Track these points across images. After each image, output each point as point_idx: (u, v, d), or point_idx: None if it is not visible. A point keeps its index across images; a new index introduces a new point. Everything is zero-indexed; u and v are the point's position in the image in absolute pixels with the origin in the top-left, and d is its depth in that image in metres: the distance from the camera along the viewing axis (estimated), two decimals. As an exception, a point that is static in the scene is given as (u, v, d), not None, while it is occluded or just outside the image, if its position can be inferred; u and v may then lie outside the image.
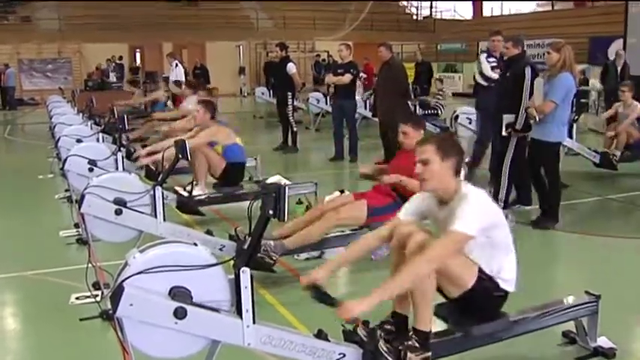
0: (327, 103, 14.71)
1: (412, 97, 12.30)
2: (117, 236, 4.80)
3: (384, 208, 5.24)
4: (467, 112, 10.63)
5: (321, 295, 3.44)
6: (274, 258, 4.84)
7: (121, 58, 25.78)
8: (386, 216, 5.03)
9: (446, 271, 3.22)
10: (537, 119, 6.37)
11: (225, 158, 7.04)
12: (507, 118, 6.88)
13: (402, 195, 5.26)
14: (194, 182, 6.62)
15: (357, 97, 14.18)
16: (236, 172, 7.18)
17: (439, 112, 14.11)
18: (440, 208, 3.42)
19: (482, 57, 8.90)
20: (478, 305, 3.37)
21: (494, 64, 8.56)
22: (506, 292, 3.42)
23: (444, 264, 3.18)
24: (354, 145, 10.92)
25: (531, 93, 6.74)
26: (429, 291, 3.20)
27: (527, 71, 6.77)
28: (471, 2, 37.04)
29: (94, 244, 4.78)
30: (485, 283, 3.33)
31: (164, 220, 4.96)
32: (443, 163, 3.29)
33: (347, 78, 10.54)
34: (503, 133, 6.90)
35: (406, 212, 3.55)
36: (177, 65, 16.53)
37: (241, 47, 30.58)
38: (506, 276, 3.40)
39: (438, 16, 37.93)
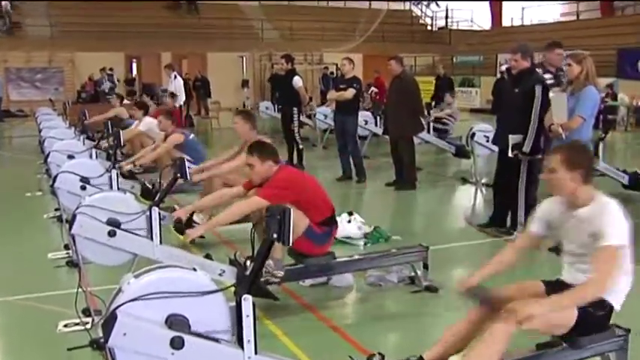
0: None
1: (425, 113, 12.30)
2: (110, 259, 4.80)
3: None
4: (484, 129, 10.66)
5: (485, 297, 3.40)
6: (279, 275, 4.85)
7: (111, 69, 25.91)
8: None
9: (548, 321, 3.26)
10: (564, 137, 6.33)
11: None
12: (514, 138, 6.86)
13: None
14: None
15: (367, 113, 14.27)
16: None
17: (449, 128, 14.11)
18: (568, 212, 3.55)
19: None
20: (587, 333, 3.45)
21: (552, 81, 7.85)
22: (611, 308, 3.48)
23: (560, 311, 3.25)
24: (358, 164, 10.93)
25: (544, 111, 6.71)
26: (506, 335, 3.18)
27: (538, 89, 6.74)
28: (489, 11, 37.05)
29: (85, 267, 4.78)
30: (588, 310, 3.38)
31: (160, 242, 4.96)
32: (569, 173, 3.45)
33: (350, 93, 10.55)
34: (510, 154, 6.90)
35: (534, 222, 3.70)
36: (175, 77, 16.66)
37: (245, 58, 30.75)
38: (616, 292, 3.46)
39: (454, 27, 38.06)
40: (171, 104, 14.15)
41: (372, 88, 18.78)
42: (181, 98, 16.43)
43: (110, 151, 7.56)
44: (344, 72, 10.91)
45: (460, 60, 31.08)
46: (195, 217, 6.53)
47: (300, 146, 11.99)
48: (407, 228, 7.86)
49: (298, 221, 4.60)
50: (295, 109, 11.79)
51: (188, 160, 7.62)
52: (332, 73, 27.46)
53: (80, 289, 4.41)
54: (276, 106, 18.78)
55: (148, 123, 10.55)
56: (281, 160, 5.27)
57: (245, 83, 30.19)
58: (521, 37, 27.83)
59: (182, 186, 7.26)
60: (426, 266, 5.52)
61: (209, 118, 21.86)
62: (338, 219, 5.65)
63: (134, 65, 30.42)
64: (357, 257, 5.54)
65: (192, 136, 9.18)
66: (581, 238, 3.43)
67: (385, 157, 11.84)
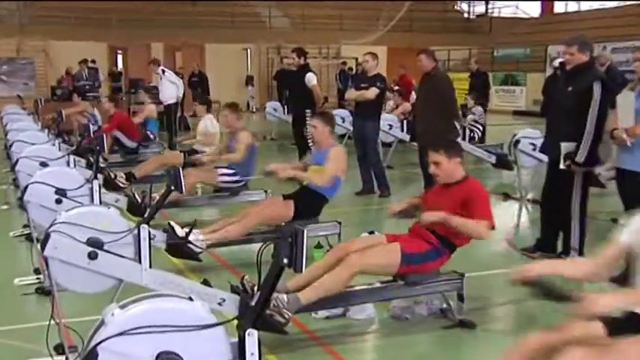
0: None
1: (460, 116, 12.30)
2: (89, 286, 4.79)
3: (423, 255, 5.23)
4: (530, 135, 10.62)
5: (548, 290, 3.40)
6: (287, 316, 4.82)
7: (94, 61, 25.87)
8: (425, 265, 5.06)
9: None
10: (629, 144, 6.28)
11: (317, 189, 7.05)
12: (566, 147, 6.80)
13: (444, 239, 5.26)
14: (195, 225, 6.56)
15: (391, 117, 14.27)
16: None
17: (476, 134, 14.10)
18: None
19: None
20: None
21: None
22: None
23: None
24: (380, 175, 10.94)
25: (604, 114, 6.67)
26: None
27: (596, 88, 6.63)
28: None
29: (59, 295, 4.77)
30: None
31: (150, 266, 4.97)
32: None
33: (372, 93, 10.52)
34: (561, 165, 6.86)
35: (627, 233, 3.60)
36: (164, 72, 16.75)
37: (249, 51, 30.90)
38: None
39: (495, 14, 38.02)
40: (147, 102, 14.42)
41: (396, 87, 18.73)
42: (172, 95, 16.45)
43: (91, 158, 7.59)
44: (366, 68, 10.91)
45: (502, 53, 31.07)
46: (191, 237, 6.51)
47: (313, 153, 12.01)
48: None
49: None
50: (308, 110, 11.82)
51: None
52: (351, 69, 27.54)
53: (53, 322, 4.42)
54: (285, 107, 18.83)
55: None
56: None
57: (249, 80, 30.34)
58: (577, 25, 27.81)
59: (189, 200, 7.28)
60: (460, 297, 5.50)
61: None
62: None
63: (119, 58, 30.53)
64: (379, 285, 5.52)
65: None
66: None
67: (412, 168, 11.84)
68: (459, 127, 11.39)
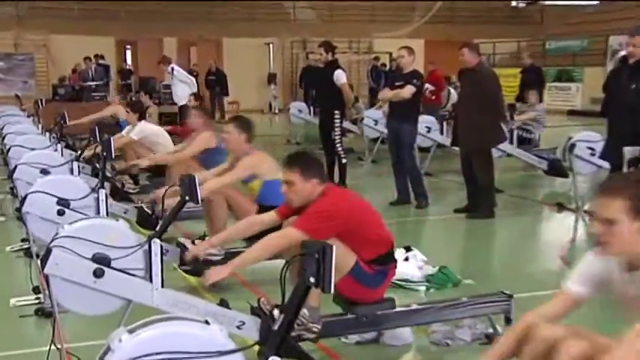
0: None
1: (508, 117, 12.24)
2: (95, 307, 4.77)
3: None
4: (588, 138, 10.53)
5: None
6: (316, 329, 4.85)
7: (102, 57, 25.86)
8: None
9: None
10: None
11: (260, 201, 7.07)
12: (630, 151, 6.77)
13: None
14: (205, 236, 6.61)
15: (430, 118, 14.22)
16: None
17: (534, 137, 14.01)
18: (628, 275, 3.46)
19: None
20: None
21: None
22: None
23: None
24: (416, 183, 10.88)
25: None
26: None
27: None
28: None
29: (61, 317, 4.80)
30: None
31: (162, 285, 4.96)
32: (634, 223, 3.32)
33: (407, 91, 10.44)
34: (625, 171, 6.81)
35: (578, 280, 3.63)
36: (173, 70, 16.87)
37: (272, 46, 30.99)
38: None
39: (548, 2, 37.72)
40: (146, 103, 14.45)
41: (427, 86, 18.50)
42: (185, 95, 16.51)
43: (97, 165, 7.62)
44: (401, 64, 10.88)
45: (555, 46, 30.91)
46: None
47: (343, 160, 12.01)
48: (483, 269, 7.82)
49: (343, 257, 4.62)
50: (337, 112, 11.81)
51: None
52: (384, 65, 27.55)
53: (53, 347, 4.44)
54: (312, 108, 18.85)
55: (143, 129, 10.71)
56: (327, 180, 5.27)
57: (272, 78, 30.40)
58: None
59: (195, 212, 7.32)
60: (508, 320, 5.45)
61: (225, 123, 21.88)
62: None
63: (128, 54, 30.66)
64: (416, 307, 5.50)
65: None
66: None
67: (454, 175, 11.80)
68: (506, 129, 11.35)
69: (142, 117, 11.23)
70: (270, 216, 5.49)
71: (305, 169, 5.07)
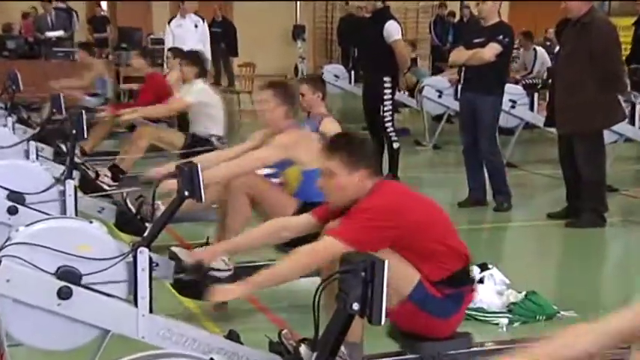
0: (456, 98, 14.72)
1: (627, 87, 12.16)
2: (59, 340, 4.79)
3: None
4: None
5: None
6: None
7: (64, -2, 25.64)
8: None
9: None
10: None
11: (301, 196, 7.05)
12: None
13: None
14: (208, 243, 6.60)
15: (516, 88, 14.17)
16: None
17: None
18: None
19: None
20: None
21: None
22: None
23: None
24: (496, 177, 10.86)
25: None
26: None
27: None
28: None
29: (11, 352, 4.84)
30: None
31: (151, 310, 4.98)
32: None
33: (489, 52, 10.27)
34: None
35: None
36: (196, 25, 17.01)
37: (298, -9, 31.07)
38: None
39: None
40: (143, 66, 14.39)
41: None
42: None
43: (62, 146, 7.66)
44: (481, 15, 10.84)
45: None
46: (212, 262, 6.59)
47: (395, 144, 12.03)
48: (587, 297, 7.81)
49: (401, 276, 4.64)
50: (387, 79, 11.84)
51: None
52: (453, 14, 27.45)
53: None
54: (352, 72, 18.88)
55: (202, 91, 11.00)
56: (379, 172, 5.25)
57: (298, 33, 30.36)
58: None
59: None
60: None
61: (234, 93, 21.94)
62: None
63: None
64: (493, 346, 5.52)
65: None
66: None
67: (547, 167, 11.82)
68: (622, 101, 11.05)
69: (202, 72, 11.34)
70: (306, 219, 5.48)
71: (350, 155, 5.01)
